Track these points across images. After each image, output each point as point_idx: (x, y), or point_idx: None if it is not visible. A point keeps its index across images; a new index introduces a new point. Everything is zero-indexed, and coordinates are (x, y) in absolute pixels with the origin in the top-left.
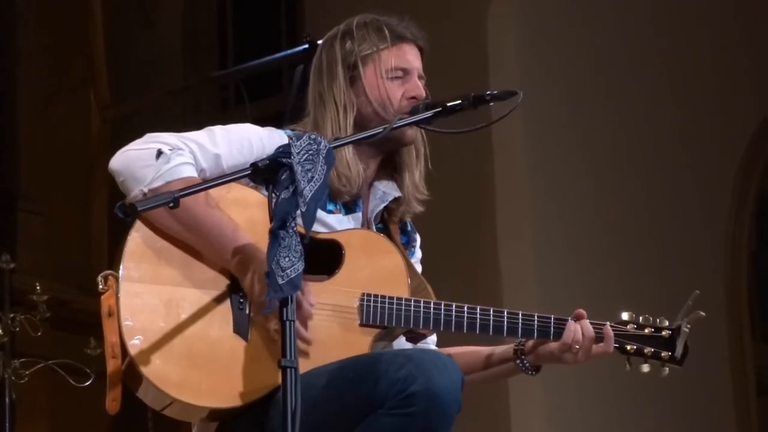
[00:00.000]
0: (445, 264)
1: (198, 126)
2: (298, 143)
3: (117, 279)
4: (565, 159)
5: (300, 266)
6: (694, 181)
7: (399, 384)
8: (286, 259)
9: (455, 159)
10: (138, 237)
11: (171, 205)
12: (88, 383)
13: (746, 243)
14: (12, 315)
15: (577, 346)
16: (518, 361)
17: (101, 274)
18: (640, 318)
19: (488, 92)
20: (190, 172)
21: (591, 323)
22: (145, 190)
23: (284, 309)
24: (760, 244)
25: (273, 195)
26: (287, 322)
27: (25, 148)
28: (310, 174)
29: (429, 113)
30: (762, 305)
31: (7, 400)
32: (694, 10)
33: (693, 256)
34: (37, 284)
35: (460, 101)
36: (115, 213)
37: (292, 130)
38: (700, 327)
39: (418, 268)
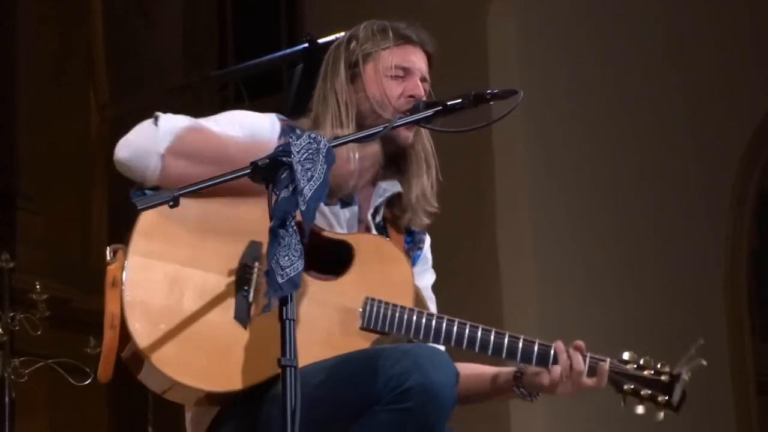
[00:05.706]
0: (444, 265)
1: None
2: (298, 142)
3: (125, 253)
4: (566, 159)
5: (300, 265)
6: (694, 180)
7: (395, 379)
8: (286, 258)
9: (455, 159)
10: (151, 213)
11: (171, 203)
12: (87, 382)
13: (746, 242)
14: (12, 314)
15: (566, 377)
16: (515, 388)
17: (110, 247)
18: (641, 359)
19: (489, 91)
20: (189, 120)
21: (591, 357)
22: (162, 151)
23: (284, 308)
24: (761, 242)
25: (272, 194)
26: (287, 321)
27: (24, 147)
28: (310, 173)
29: (429, 112)
30: (762, 304)
31: (6, 398)
32: (698, 4)
33: (693, 256)
34: (37, 283)
35: (460, 100)
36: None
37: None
38: (701, 325)
39: (429, 274)
